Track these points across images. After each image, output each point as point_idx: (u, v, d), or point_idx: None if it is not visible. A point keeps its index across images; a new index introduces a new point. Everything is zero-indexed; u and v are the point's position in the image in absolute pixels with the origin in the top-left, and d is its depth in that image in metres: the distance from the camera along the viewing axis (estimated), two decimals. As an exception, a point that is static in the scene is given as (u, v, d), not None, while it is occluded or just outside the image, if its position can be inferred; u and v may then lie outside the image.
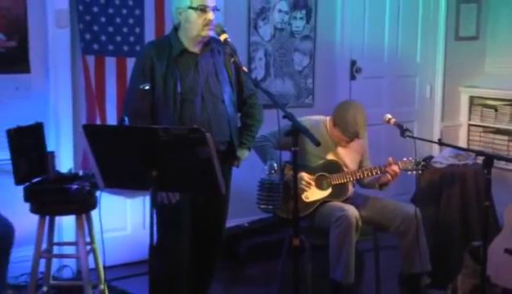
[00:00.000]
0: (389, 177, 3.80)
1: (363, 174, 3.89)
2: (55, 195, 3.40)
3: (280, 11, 5.07)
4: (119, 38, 4.35)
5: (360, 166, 4.03)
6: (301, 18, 5.17)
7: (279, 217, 3.81)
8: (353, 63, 5.47)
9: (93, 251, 3.57)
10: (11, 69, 4.07)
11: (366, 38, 5.55)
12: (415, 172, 3.90)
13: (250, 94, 3.47)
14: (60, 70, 4.21)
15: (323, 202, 3.84)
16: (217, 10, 3.24)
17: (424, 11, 5.82)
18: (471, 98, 6.00)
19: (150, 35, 4.44)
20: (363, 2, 5.49)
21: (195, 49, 3.27)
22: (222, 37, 3.14)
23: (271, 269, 4.22)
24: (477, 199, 4.60)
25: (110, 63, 4.34)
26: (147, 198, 4.45)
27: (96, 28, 4.26)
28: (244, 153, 3.46)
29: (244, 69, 3.17)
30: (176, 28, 3.28)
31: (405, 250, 3.85)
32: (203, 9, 3.17)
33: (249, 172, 3.59)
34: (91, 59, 4.28)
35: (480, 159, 3.95)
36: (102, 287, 3.59)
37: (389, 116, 3.83)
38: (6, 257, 3.02)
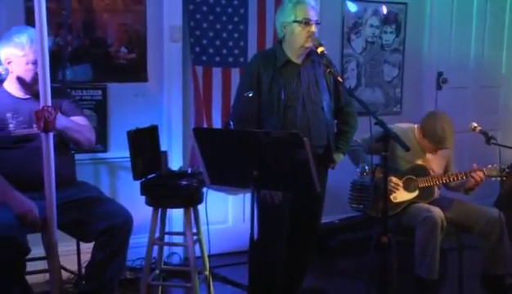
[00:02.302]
0: (474, 182, 3.68)
1: (449, 178, 3.79)
2: (167, 190, 3.46)
3: (371, 25, 5.00)
4: (224, 51, 4.42)
5: (445, 171, 3.93)
6: (391, 32, 5.08)
7: (368, 216, 3.77)
8: (440, 74, 5.32)
9: (199, 240, 3.62)
10: (131, 79, 4.19)
11: (453, 50, 5.39)
12: (498, 178, 3.76)
13: (346, 102, 3.44)
14: (173, 79, 4.30)
15: (410, 203, 3.77)
16: (319, 24, 3.23)
17: (510, 23, 5.59)
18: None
19: (252, 48, 4.48)
20: (450, 16, 5.33)
21: (298, 60, 3.27)
22: (320, 50, 3.12)
23: (358, 264, 4.17)
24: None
25: (217, 73, 4.41)
26: (247, 195, 4.52)
27: (204, 41, 4.34)
28: (340, 157, 3.43)
29: (340, 78, 3.15)
30: (280, 41, 3.30)
31: (488, 251, 3.72)
32: (306, 22, 3.17)
33: (341, 174, 3.57)
34: (199, 69, 4.36)
35: None
36: (207, 273, 3.64)
37: (475, 124, 3.73)
38: (126, 243, 3.11)
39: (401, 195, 3.78)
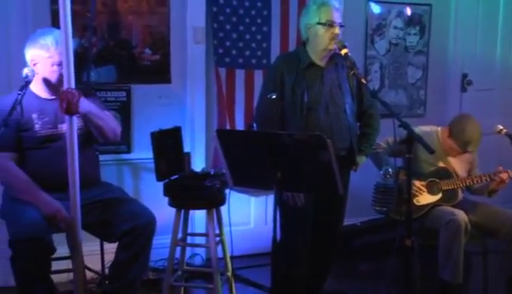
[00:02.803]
0: (499, 182, 3.64)
1: (472, 180, 3.75)
2: (190, 191, 3.47)
3: (395, 27, 4.97)
4: (247, 52, 4.42)
5: (469, 173, 3.89)
6: (415, 34, 5.04)
7: (391, 218, 3.74)
8: (465, 76, 5.27)
9: (221, 242, 3.62)
10: (154, 80, 4.21)
11: (478, 52, 5.32)
12: (524, 180, 3.72)
13: (369, 105, 3.42)
14: (196, 81, 4.31)
15: (434, 205, 3.74)
16: (343, 26, 3.22)
17: (537, 24, 5.52)
18: None
19: (275, 50, 4.47)
20: (476, 17, 5.27)
21: (321, 63, 3.27)
22: (343, 52, 3.11)
23: (381, 267, 4.14)
24: None
25: (240, 75, 4.41)
26: (269, 197, 4.51)
27: (228, 43, 4.35)
28: (362, 159, 3.42)
29: (363, 80, 3.13)
30: (304, 43, 3.30)
31: (513, 255, 3.68)
32: (330, 24, 3.16)
33: (364, 176, 3.55)
34: (223, 71, 4.37)
35: None
36: (229, 274, 3.64)
37: (501, 127, 3.70)
38: (149, 244, 3.13)
39: (424, 198, 3.75)
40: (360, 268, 4.52)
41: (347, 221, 3.77)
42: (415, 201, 3.71)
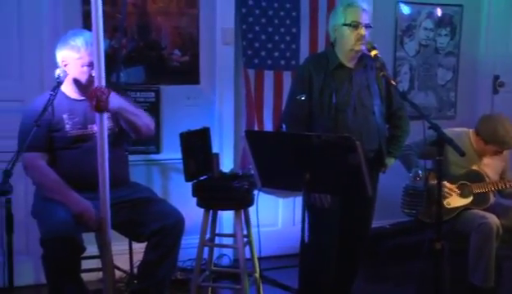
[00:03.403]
0: None
1: (505, 185, 3.70)
2: (218, 192, 3.47)
3: (425, 28, 4.93)
4: (276, 54, 4.42)
5: (501, 177, 3.84)
6: (445, 35, 4.99)
7: (420, 221, 3.70)
8: (496, 77, 5.19)
9: (249, 242, 3.62)
10: (183, 81, 4.24)
11: (510, 53, 5.24)
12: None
13: (399, 107, 3.39)
14: (225, 82, 4.33)
15: (464, 209, 3.69)
16: (370, 27, 3.19)
17: None
18: None
19: (304, 51, 4.47)
20: (508, 17, 5.19)
21: (350, 64, 3.25)
22: (373, 53, 3.09)
23: (409, 270, 4.10)
24: None
25: (268, 76, 4.41)
26: (297, 198, 4.51)
27: (257, 44, 4.36)
28: (391, 161, 3.38)
29: (393, 82, 3.10)
30: (333, 45, 3.28)
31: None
32: (355, 25, 3.14)
33: (393, 178, 3.52)
34: (251, 72, 4.37)
35: None
36: (256, 275, 3.64)
37: (534, 129, 3.63)
38: (178, 244, 3.13)
39: (454, 201, 3.71)
40: (388, 271, 4.48)
41: (375, 223, 3.75)
42: (445, 203, 3.67)
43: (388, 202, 3.84)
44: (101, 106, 2.88)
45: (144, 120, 3.19)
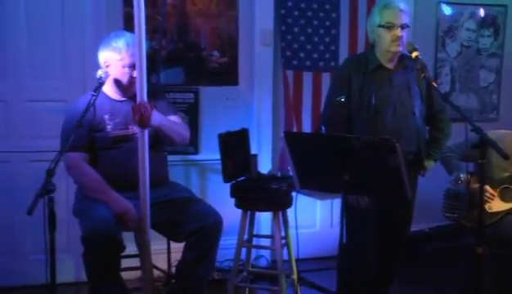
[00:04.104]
0: None
1: (550, 189, 3.61)
2: (256, 193, 3.48)
3: (467, 29, 4.85)
4: (315, 55, 4.41)
5: (545, 181, 3.74)
6: (488, 36, 4.91)
7: (461, 225, 3.64)
8: (543, 79, 5.09)
9: (287, 244, 3.62)
10: (222, 82, 4.27)
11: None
12: None
13: (440, 109, 3.34)
14: (264, 83, 4.34)
15: (507, 213, 3.62)
16: (407, 27, 3.16)
17: None
18: None
19: (343, 52, 4.45)
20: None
21: (390, 65, 3.22)
22: (414, 55, 3.05)
23: (448, 275, 4.05)
24: None
25: (307, 77, 4.41)
26: (335, 201, 4.48)
27: (295, 45, 4.35)
28: (431, 164, 3.34)
29: (434, 84, 3.07)
30: (372, 46, 3.26)
31: None
32: (390, 26, 3.12)
33: (433, 181, 3.47)
34: (290, 73, 4.37)
35: None
36: (294, 277, 3.63)
37: None
38: (216, 244, 3.15)
39: (496, 205, 3.64)
40: (427, 275, 4.42)
41: (414, 227, 3.71)
42: (486, 207, 3.60)
43: (428, 206, 3.79)
44: (143, 122, 2.95)
45: (180, 133, 3.25)
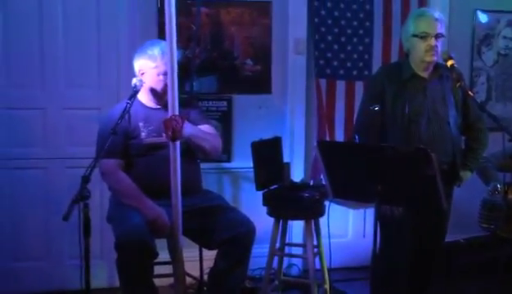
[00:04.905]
0: None
1: None
2: (289, 201, 3.48)
3: (504, 37, 4.77)
4: (349, 64, 4.39)
5: None
6: (526, 44, 4.83)
7: (497, 236, 3.58)
8: None
9: (319, 253, 3.60)
10: (255, 91, 4.27)
11: None
12: None
13: (476, 118, 3.29)
14: (297, 92, 4.33)
15: (545, 225, 3.55)
16: (442, 36, 3.13)
17: None
18: None
19: (377, 61, 4.42)
20: None
21: (424, 74, 3.19)
22: (449, 63, 3.02)
23: (484, 287, 3.97)
24: None
25: (340, 86, 4.39)
26: (368, 210, 4.45)
27: (329, 54, 4.34)
28: (467, 174, 3.29)
29: (471, 93, 3.02)
30: (407, 55, 3.24)
31: None
32: (425, 36, 3.09)
33: (469, 191, 3.42)
34: (323, 82, 4.36)
35: None
36: (326, 286, 3.62)
37: None
38: (249, 253, 3.15)
39: (535, 216, 3.56)
40: (462, 287, 4.34)
41: (449, 237, 3.66)
42: (524, 219, 3.53)
43: (463, 216, 3.74)
44: (175, 136, 2.98)
45: (212, 143, 3.25)
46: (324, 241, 3.56)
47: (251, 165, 3.49)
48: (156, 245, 3.02)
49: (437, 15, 3.14)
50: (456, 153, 3.22)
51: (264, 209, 3.53)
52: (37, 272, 4.01)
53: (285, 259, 4.16)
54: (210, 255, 3.26)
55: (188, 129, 3.07)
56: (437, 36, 3.10)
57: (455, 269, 4.39)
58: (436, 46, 3.09)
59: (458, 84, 3.04)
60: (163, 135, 3.18)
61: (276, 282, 3.69)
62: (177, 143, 3.01)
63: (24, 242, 4.01)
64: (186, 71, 3.94)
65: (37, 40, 3.89)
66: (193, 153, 3.33)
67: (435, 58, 3.12)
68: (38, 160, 3.97)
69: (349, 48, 4.37)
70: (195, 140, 3.16)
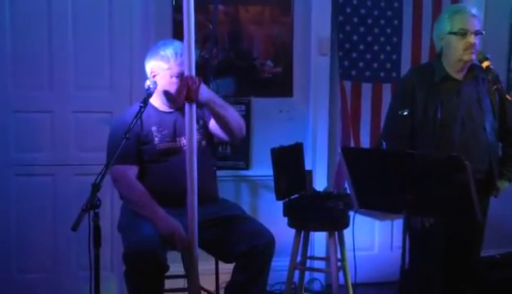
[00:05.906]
0: None
1: None
2: (311, 212, 3.47)
3: (544, 37, 4.73)
4: (375, 65, 4.37)
5: None
6: None
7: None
8: None
9: (343, 267, 3.58)
10: (275, 93, 4.27)
11: None
12: None
13: (515, 124, 3.26)
14: (320, 95, 4.32)
15: None
16: (481, 33, 3.10)
17: None
18: None
19: (406, 62, 4.40)
20: None
21: (458, 76, 3.16)
22: (485, 64, 2.99)
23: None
24: None
25: (367, 89, 4.37)
26: (396, 222, 4.41)
27: (354, 55, 4.32)
28: (504, 184, 3.25)
29: (508, 97, 2.99)
30: (439, 55, 3.21)
31: None
32: (463, 33, 3.06)
33: (506, 203, 3.38)
34: (348, 84, 4.34)
35: None
36: (351, 303, 3.59)
37: None
38: (268, 266, 3.13)
39: None
40: (498, 305, 4.30)
41: (484, 252, 3.62)
42: None
43: (500, 229, 3.70)
44: (191, 96, 2.91)
45: (234, 115, 3.20)
46: (348, 254, 3.53)
47: (271, 173, 3.49)
48: (167, 258, 3.00)
49: (474, 11, 3.14)
50: (493, 161, 3.18)
51: (285, 220, 3.52)
52: (44, 284, 4.03)
53: (307, 273, 4.15)
54: (227, 268, 3.25)
55: (205, 92, 3.00)
56: (476, 33, 3.08)
57: (489, 286, 4.34)
58: (475, 43, 3.07)
59: (494, 87, 3.01)
60: (178, 139, 3.17)
61: (297, 298, 3.68)
62: (194, 140, 2.93)
63: (31, 253, 4.03)
64: (202, 72, 3.93)
65: (45, 39, 3.92)
66: (209, 158, 3.31)
67: (473, 57, 3.09)
68: (46, 166, 4.00)
69: (376, 48, 4.35)
70: (215, 106, 3.09)
